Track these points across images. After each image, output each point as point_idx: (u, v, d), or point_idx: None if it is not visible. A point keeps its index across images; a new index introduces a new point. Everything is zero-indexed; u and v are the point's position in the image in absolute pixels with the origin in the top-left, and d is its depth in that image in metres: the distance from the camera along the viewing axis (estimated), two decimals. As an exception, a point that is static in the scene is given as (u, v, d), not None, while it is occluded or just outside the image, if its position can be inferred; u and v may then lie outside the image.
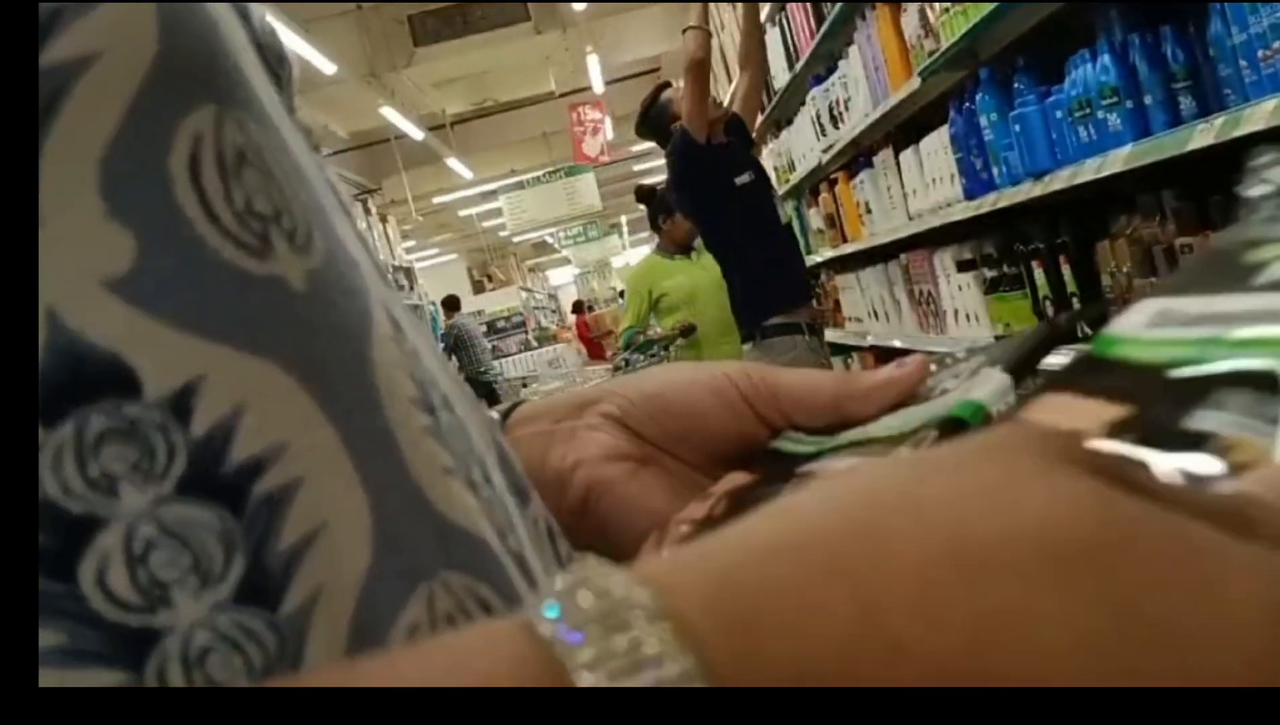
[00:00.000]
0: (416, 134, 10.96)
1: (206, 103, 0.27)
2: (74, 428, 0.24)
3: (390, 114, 9.94)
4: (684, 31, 3.71)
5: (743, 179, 3.88)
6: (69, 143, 0.24)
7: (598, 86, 10.31)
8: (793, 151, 5.64)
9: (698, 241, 5.01)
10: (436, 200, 15.75)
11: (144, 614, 0.23)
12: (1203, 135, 1.89)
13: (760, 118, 6.26)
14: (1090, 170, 2.28)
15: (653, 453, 0.47)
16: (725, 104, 4.21)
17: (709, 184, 3.89)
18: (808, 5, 4.45)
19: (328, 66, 8.17)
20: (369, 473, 0.27)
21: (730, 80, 7.12)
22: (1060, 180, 2.46)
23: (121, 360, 0.24)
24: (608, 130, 12.17)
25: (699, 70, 3.71)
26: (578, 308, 15.81)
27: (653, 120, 4.10)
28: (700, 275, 4.83)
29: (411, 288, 12.46)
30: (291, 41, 7.57)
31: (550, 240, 19.64)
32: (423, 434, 0.30)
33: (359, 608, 0.26)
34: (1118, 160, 2.15)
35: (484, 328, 18.66)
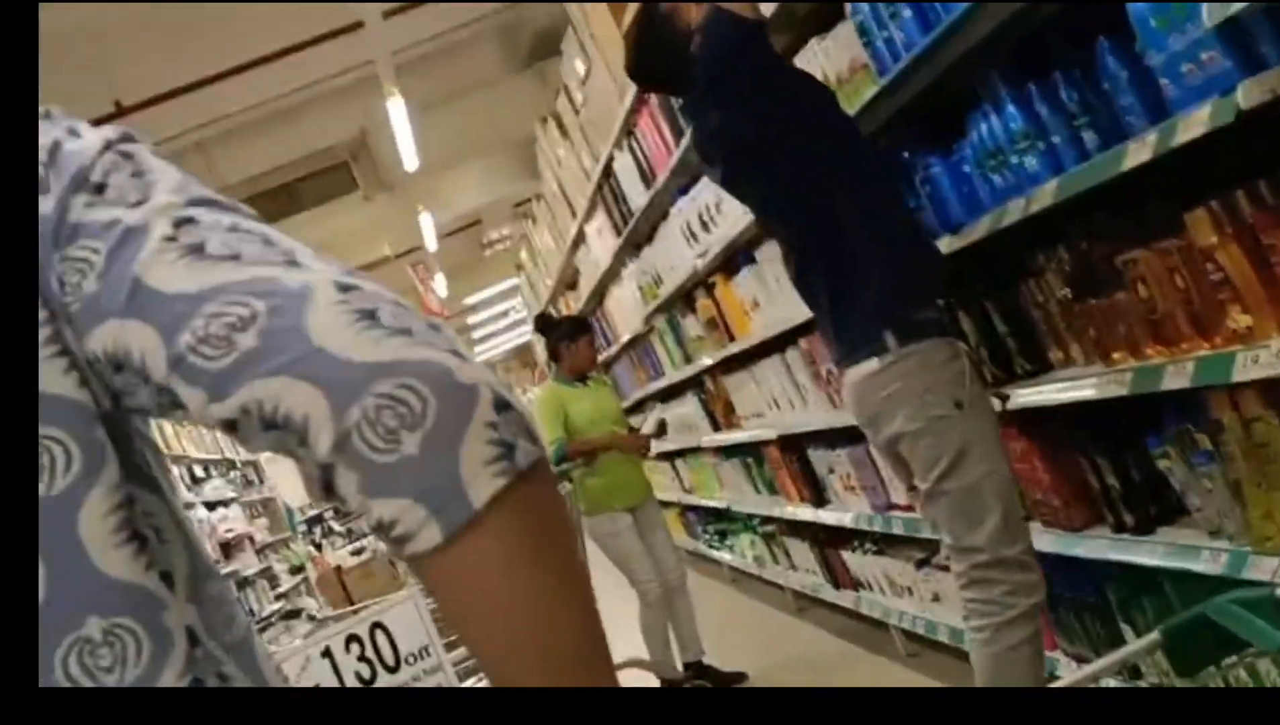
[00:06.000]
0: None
1: None
2: None
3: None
4: None
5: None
6: None
7: (430, 244, 10.35)
8: (658, 266, 5.77)
9: (594, 369, 5.03)
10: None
11: None
12: (1109, 166, 2.07)
13: (619, 241, 6.39)
14: (1016, 211, 2.42)
15: None
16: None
17: (785, 90, 2.57)
18: (662, 123, 4.62)
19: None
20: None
21: (574, 220, 7.12)
22: (982, 228, 2.60)
23: None
24: (440, 287, 12.19)
25: None
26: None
27: (658, 40, 2.65)
28: (601, 398, 4.87)
29: (261, 482, 12.15)
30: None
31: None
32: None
33: None
34: (1046, 195, 2.29)
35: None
